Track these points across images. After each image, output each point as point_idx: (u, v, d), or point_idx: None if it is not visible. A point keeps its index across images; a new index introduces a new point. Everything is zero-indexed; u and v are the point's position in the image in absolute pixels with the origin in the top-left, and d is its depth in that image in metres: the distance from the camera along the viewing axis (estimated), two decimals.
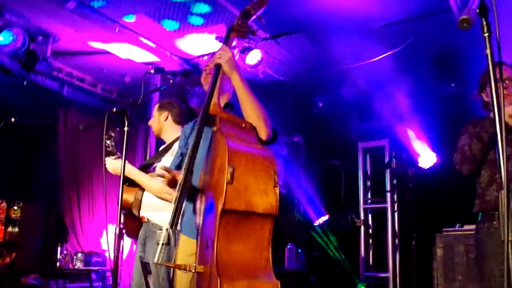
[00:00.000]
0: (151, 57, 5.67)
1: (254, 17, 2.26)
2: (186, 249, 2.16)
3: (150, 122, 3.37)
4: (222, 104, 2.28)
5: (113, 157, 3.00)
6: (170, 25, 5.05)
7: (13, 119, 3.81)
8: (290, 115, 6.53)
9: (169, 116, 3.27)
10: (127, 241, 6.10)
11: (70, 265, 6.20)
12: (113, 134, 2.98)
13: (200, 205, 2.00)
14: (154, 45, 5.44)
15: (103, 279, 6.29)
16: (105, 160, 2.97)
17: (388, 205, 6.54)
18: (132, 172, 2.97)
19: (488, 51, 1.50)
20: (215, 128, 1.94)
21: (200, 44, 5.42)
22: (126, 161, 2.73)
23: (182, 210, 1.95)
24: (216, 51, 2.22)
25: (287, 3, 4.46)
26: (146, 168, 3.21)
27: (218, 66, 2.11)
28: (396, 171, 6.63)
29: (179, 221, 1.94)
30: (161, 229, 2.88)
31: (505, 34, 1.55)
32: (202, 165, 2.07)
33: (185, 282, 2.06)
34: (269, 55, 5.54)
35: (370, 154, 6.99)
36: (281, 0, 4.33)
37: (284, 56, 5.70)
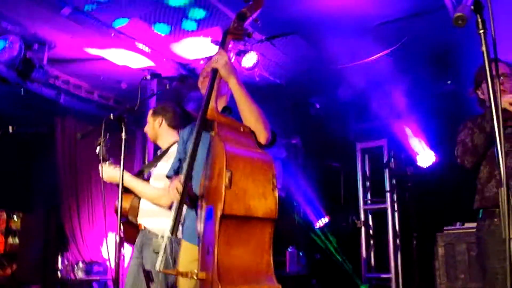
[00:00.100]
0: (147, 63, 5.67)
1: (250, 19, 2.26)
2: (188, 255, 2.16)
3: (146, 129, 3.36)
4: (220, 108, 2.27)
5: (106, 164, 2.98)
6: (162, 29, 5.05)
7: (10, 129, 3.79)
8: (288, 117, 6.54)
9: (164, 121, 3.26)
10: (127, 250, 6.08)
11: (71, 275, 6.18)
12: (102, 141, 2.96)
13: (201, 210, 1.99)
14: (149, 50, 5.44)
15: None
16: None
17: (388, 205, 6.53)
18: (127, 179, 2.95)
19: (483, 48, 1.50)
20: (213, 133, 1.93)
21: (195, 48, 5.42)
22: (120, 168, 2.72)
23: (182, 217, 1.94)
24: (213, 55, 2.22)
25: (281, 4, 4.46)
26: (142, 174, 3.20)
27: (214, 71, 2.11)
28: (395, 170, 6.63)
29: (181, 227, 1.93)
30: (157, 237, 2.86)
31: (500, 31, 1.55)
32: (201, 170, 2.06)
33: None
34: (265, 57, 5.54)
35: (369, 155, 6.99)
36: (276, 2, 4.33)
37: (280, 58, 5.70)
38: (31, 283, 5.96)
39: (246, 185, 1.68)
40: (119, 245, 2.65)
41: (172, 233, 1.86)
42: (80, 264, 6.21)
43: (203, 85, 2.42)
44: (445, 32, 4.47)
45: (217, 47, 2.21)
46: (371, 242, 6.78)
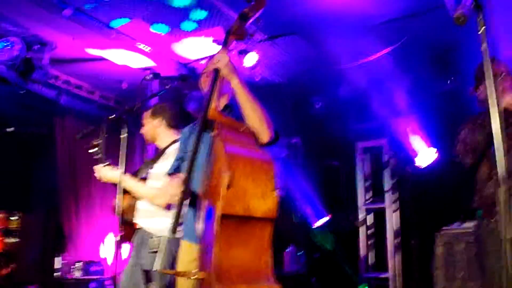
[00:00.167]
0: (147, 62, 5.66)
1: (252, 19, 2.26)
2: (187, 255, 2.15)
3: (143, 130, 3.35)
4: (221, 106, 2.27)
5: (102, 165, 2.99)
6: (162, 29, 5.04)
7: (9, 129, 3.79)
8: (288, 116, 6.53)
9: (163, 121, 3.26)
10: (125, 249, 6.07)
11: (69, 275, 6.18)
12: (96, 143, 2.96)
13: (201, 210, 1.99)
14: (150, 50, 5.43)
15: None
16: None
17: (388, 204, 6.53)
18: (123, 179, 2.94)
19: (484, 47, 1.50)
20: (213, 133, 1.93)
21: (197, 47, 5.42)
22: (116, 168, 2.72)
23: (182, 216, 1.93)
24: (215, 55, 2.22)
25: (283, 4, 4.46)
26: (139, 174, 3.19)
27: (216, 71, 2.11)
28: (395, 170, 6.62)
29: (180, 227, 1.93)
30: (153, 237, 2.85)
31: (500, 29, 1.55)
32: (202, 170, 2.07)
33: None
34: (266, 56, 5.54)
35: (369, 154, 6.98)
36: (277, 2, 4.34)
37: (281, 57, 5.70)
38: (29, 283, 5.95)
39: (246, 185, 1.69)
40: (118, 245, 2.65)
41: (172, 232, 1.86)
42: (78, 264, 6.20)
43: (205, 84, 2.41)
44: (445, 31, 4.46)
45: (219, 47, 2.21)
46: (370, 241, 6.77)
